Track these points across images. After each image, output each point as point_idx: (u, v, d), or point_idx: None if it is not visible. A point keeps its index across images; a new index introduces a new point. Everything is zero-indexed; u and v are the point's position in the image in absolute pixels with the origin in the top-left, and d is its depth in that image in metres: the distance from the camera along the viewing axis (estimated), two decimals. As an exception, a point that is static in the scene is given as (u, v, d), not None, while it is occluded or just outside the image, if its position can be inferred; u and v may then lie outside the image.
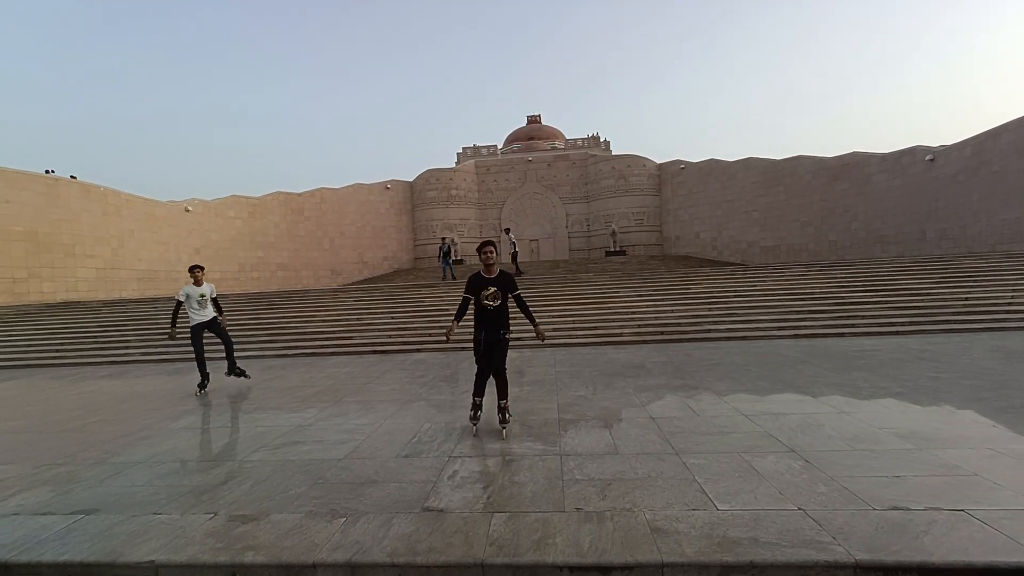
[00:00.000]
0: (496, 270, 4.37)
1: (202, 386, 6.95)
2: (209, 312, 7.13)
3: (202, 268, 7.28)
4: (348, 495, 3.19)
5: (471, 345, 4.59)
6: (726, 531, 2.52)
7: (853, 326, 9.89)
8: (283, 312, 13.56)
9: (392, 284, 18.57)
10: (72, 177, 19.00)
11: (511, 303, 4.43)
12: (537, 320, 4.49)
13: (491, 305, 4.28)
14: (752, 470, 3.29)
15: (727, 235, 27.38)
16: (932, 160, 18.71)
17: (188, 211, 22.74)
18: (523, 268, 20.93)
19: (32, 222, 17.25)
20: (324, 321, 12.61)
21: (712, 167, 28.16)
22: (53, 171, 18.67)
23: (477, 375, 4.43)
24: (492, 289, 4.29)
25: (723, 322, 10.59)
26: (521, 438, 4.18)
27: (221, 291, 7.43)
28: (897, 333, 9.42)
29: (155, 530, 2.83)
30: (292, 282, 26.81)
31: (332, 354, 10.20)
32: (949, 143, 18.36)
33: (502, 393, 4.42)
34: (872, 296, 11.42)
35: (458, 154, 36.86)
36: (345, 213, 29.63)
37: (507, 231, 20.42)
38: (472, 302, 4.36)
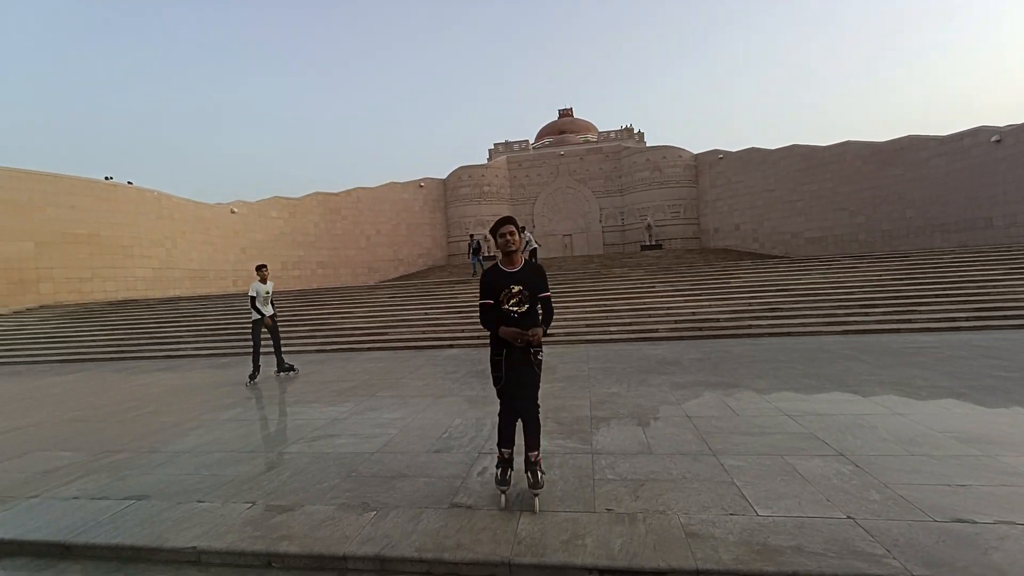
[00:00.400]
0: (520, 260, 2.98)
1: (253, 377, 7.36)
2: (270, 308, 7.60)
3: (266, 266, 7.87)
4: (379, 488, 3.23)
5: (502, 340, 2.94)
6: (767, 538, 2.39)
7: (909, 322, 9.25)
8: (322, 309, 14.00)
9: (426, 280, 18.84)
10: (128, 183, 20.27)
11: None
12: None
13: (515, 312, 2.86)
14: (796, 474, 3.11)
15: (769, 226, 26.22)
16: (999, 141, 17.25)
17: (234, 212, 23.83)
18: (554, 263, 20.73)
19: (94, 226, 18.55)
20: (361, 317, 12.93)
21: (752, 156, 27.01)
22: (111, 178, 19.96)
23: (501, 416, 3.03)
24: (516, 289, 2.86)
25: (765, 317, 10.15)
26: (552, 435, 4.12)
27: None
28: (959, 329, 8.75)
29: (198, 517, 2.96)
30: (331, 279, 27.68)
31: (368, 349, 10.45)
32: (1017, 123, 16.89)
33: (532, 442, 2.96)
34: (931, 289, 10.66)
35: (490, 150, 36.98)
36: (380, 211, 30.31)
37: (523, 229, 20.19)
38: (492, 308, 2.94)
